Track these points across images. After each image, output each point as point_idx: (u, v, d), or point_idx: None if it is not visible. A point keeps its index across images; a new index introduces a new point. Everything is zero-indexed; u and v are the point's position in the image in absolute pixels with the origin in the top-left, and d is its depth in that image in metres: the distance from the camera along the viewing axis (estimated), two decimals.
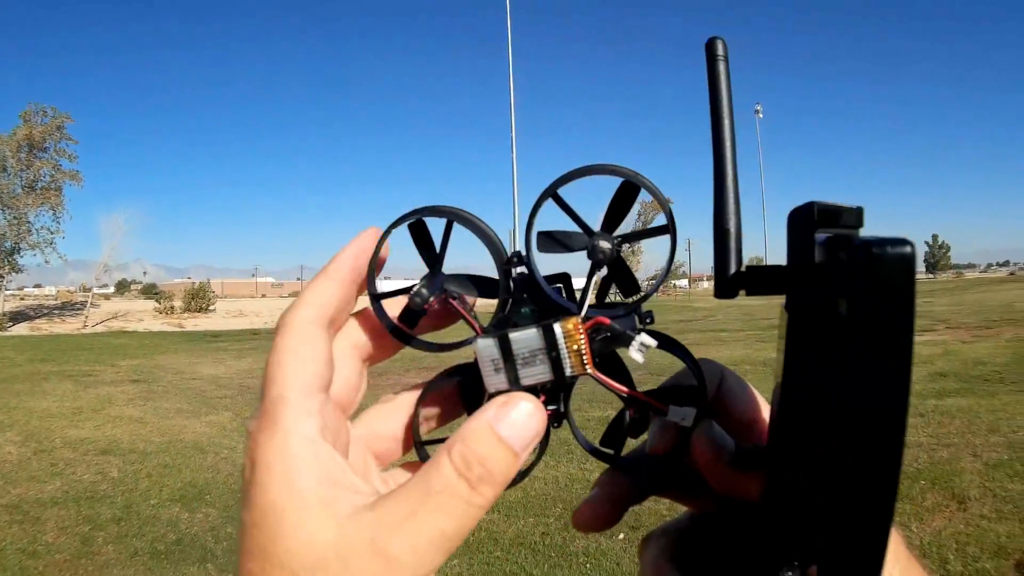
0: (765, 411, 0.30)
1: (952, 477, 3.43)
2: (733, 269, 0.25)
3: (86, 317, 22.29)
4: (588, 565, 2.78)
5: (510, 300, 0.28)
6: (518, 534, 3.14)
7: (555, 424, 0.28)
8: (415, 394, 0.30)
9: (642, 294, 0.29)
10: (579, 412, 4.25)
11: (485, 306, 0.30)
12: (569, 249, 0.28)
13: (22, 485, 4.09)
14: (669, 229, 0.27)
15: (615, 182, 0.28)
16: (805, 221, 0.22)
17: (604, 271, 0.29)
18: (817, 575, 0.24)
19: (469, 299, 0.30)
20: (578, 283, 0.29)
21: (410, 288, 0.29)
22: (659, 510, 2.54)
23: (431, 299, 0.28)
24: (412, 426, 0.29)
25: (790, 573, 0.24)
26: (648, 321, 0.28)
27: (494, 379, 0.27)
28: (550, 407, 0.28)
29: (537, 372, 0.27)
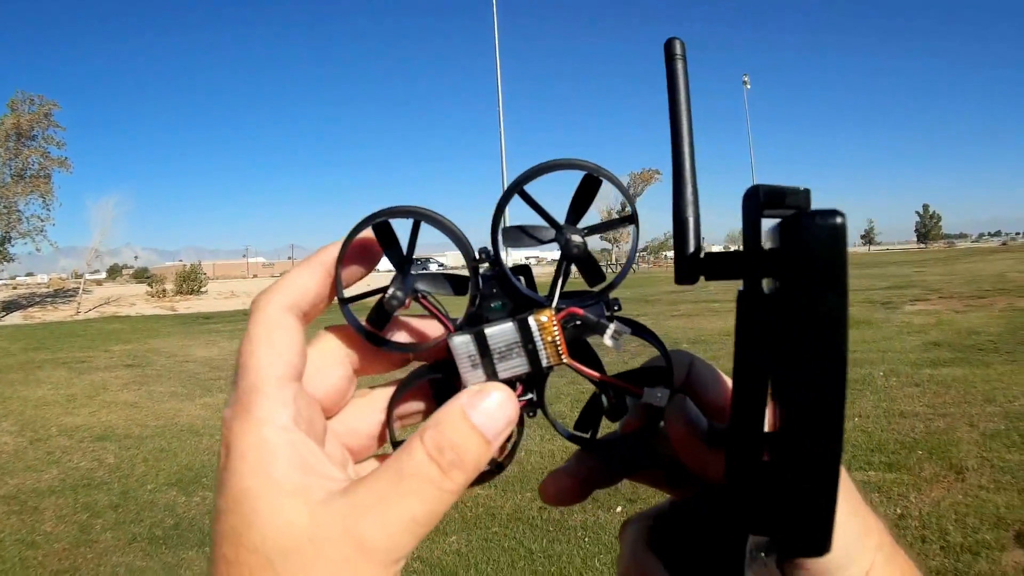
0: None
1: (949, 447, 3.45)
2: (691, 255, 0.26)
3: (79, 304, 22.15)
4: (587, 539, 2.78)
5: (479, 296, 0.28)
6: (516, 509, 3.14)
7: (530, 413, 0.29)
8: (389, 390, 0.30)
9: (607, 283, 0.29)
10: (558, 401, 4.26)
11: (451, 304, 0.30)
12: (539, 242, 0.29)
13: (19, 475, 4.08)
14: (633, 219, 0.28)
15: (578, 176, 0.28)
16: (753, 204, 0.23)
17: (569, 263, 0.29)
18: (771, 547, 0.25)
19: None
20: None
21: (381, 290, 0.28)
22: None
23: (407, 300, 0.28)
24: (387, 425, 0.29)
25: (762, 554, 0.25)
26: (616, 308, 0.28)
27: (472, 374, 0.27)
28: (526, 397, 0.28)
29: (514, 365, 0.27)
